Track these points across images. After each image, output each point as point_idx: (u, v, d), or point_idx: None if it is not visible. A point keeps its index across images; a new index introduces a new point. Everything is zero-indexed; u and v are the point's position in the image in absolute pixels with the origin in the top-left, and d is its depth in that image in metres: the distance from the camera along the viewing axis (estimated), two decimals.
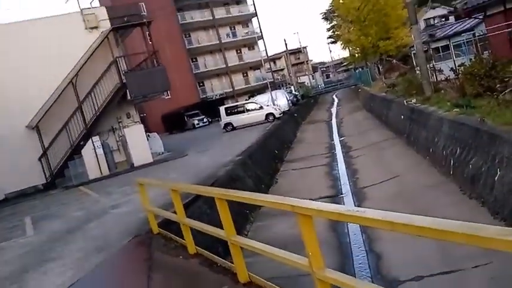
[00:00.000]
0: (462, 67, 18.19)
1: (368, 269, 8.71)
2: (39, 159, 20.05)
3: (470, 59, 19.09)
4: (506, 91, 12.08)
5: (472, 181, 10.64)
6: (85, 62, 19.91)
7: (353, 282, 3.25)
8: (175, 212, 6.69)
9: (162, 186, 7.80)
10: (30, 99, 19.38)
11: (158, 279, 5.81)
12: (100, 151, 20.09)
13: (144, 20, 22.27)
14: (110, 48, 20.94)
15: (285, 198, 3.68)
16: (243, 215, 11.69)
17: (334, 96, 67.94)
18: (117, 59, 21.08)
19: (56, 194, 18.07)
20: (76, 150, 19.91)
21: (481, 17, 20.76)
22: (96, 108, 20.39)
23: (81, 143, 19.96)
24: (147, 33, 22.14)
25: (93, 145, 19.90)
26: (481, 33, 22.24)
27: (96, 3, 28.90)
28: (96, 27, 21.36)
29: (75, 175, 19.60)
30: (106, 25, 21.31)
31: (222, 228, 5.10)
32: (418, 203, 11.28)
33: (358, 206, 12.56)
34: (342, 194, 14.53)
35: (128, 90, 20.80)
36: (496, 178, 9.24)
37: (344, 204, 13.05)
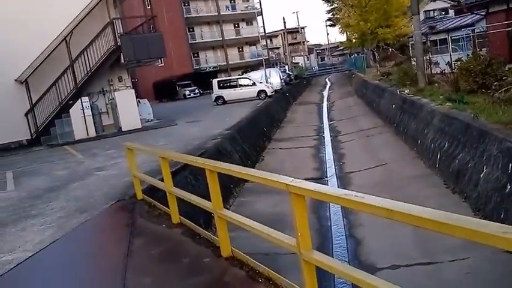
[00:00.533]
0: (459, 62, 18.17)
1: (346, 254, 8.80)
2: (26, 115, 19.80)
3: (468, 55, 19.08)
4: (502, 90, 12.10)
5: (457, 176, 10.72)
6: (81, 21, 19.49)
7: (339, 266, 3.24)
8: (162, 180, 6.64)
9: (151, 153, 7.72)
10: (22, 53, 18.92)
11: (139, 245, 5.77)
12: (88, 112, 19.89)
13: None
14: (107, 8, 20.48)
15: (280, 176, 3.64)
16: (228, 189, 11.68)
17: (327, 80, 67.75)
18: (114, 21, 20.64)
19: (40, 151, 17.87)
20: (64, 109, 19.68)
21: (482, 13, 20.69)
22: (88, 69, 20.06)
23: (70, 102, 19.70)
24: None
25: (82, 105, 19.69)
26: (481, 30, 22.20)
27: None
28: None
29: (61, 134, 19.41)
30: None
31: (208, 199, 5.06)
32: (401, 193, 11.35)
33: None
34: (327, 177, 14.60)
35: (122, 54, 20.47)
36: (482, 175, 9.31)
37: None
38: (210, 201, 4.91)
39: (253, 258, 4.68)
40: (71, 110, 19.60)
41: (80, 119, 19.66)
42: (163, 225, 6.31)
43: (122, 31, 21.61)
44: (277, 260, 7.50)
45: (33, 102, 19.71)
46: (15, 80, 19.68)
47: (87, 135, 19.73)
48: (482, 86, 14.52)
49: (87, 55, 19.98)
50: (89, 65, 20.06)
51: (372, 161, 15.06)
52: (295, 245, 3.42)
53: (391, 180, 12.75)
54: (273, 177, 3.72)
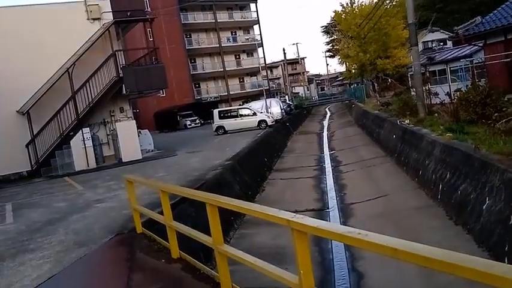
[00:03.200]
0: (458, 92, 18.29)
1: None
2: (27, 146, 19.81)
3: (467, 85, 19.22)
4: (503, 120, 12.12)
5: (460, 207, 10.62)
6: (83, 53, 19.74)
7: None
8: (161, 213, 6.58)
9: (151, 186, 7.67)
10: (23, 85, 19.19)
11: (138, 281, 5.67)
12: (89, 143, 19.92)
13: (147, 16, 22.19)
14: (110, 41, 20.81)
15: (281, 212, 3.58)
16: (228, 221, 11.57)
17: (327, 109, 68.11)
18: (116, 53, 20.92)
19: (40, 183, 17.81)
20: (65, 140, 19.72)
21: (480, 44, 20.95)
22: (90, 100, 20.21)
23: (71, 133, 19.75)
24: (149, 29, 22.01)
25: (83, 136, 19.73)
26: (479, 61, 22.43)
27: None
28: (98, 19, 21.24)
29: (61, 165, 19.39)
30: (108, 17, 21.14)
31: (208, 233, 4.99)
32: (404, 225, 11.27)
33: (344, 223, 12.52)
34: (328, 208, 14.47)
35: (124, 85, 20.64)
36: (484, 207, 9.22)
37: (330, 219, 13.00)
38: (210, 235, 4.84)
39: None
40: (71, 141, 19.64)
41: (81, 150, 19.68)
42: (163, 260, 6.21)
43: (124, 62, 21.87)
44: None
45: (34, 133, 19.76)
46: (17, 111, 19.79)
47: (88, 166, 19.70)
48: (482, 116, 14.55)
49: (89, 86, 20.17)
50: (91, 96, 20.22)
51: (374, 191, 14.96)
52: (297, 283, 3.35)
53: (393, 211, 12.64)
54: (274, 213, 3.67)
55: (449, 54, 28.09)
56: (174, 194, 7.70)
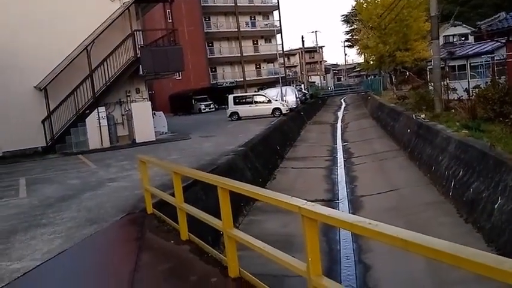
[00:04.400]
0: (477, 89, 18.04)
1: (355, 280, 8.66)
2: (43, 122, 20.03)
3: (486, 82, 18.95)
4: None
5: (471, 205, 10.55)
6: (102, 31, 19.80)
7: None
8: (172, 195, 6.63)
9: (164, 167, 7.71)
10: (42, 61, 19.34)
11: (146, 260, 5.74)
12: (104, 122, 20.08)
13: None
14: (129, 20, 20.83)
15: (292, 198, 3.59)
16: (238, 207, 11.63)
17: (342, 100, 67.71)
18: (135, 32, 20.94)
19: (54, 159, 18.04)
20: (80, 118, 19.89)
21: (503, 41, 20.54)
22: (107, 79, 20.31)
23: (87, 111, 19.92)
24: (168, 10, 21.95)
25: (98, 115, 19.89)
26: (501, 58, 22.05)
27: None
28: None
29: (76, 143, 19.60)
30: None
31: (217, 216, 5.03)
32: (413, 220, 11.23)
33: (353, 214, 12.51)
34: (338, 199, 14.47)
35: (141, 65, 20.70)
36: (496, 206, 9.15)
37: (339, 210, 13.00)
38: (220, 219, 4.87)
39: (261, 279, 4.62)
40: (87, 120, 19.81)
41: (96, 129, 19.85)
42: (172, 241, 6.28)
43: (142, 43, 21.90)
44: (285, 282, 7.42)
45: (51, 109, 19.95)
46: (35, 87, 19.97)
47: (102, 145, 19.89)
48: (500, 114, 14.36)
49: (107, 65, 20.26)
50: (108, 75, 20.33)
51: (385, 185, 14.91)
52: (305, 270, 3.36)
53: (404, 206, 12.59)
54: (286, 199, 3.67)
55: (470, 49, 27.65)
56: (185, 177, 7.76)
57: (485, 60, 23.88)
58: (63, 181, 12.50)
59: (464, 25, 42.88)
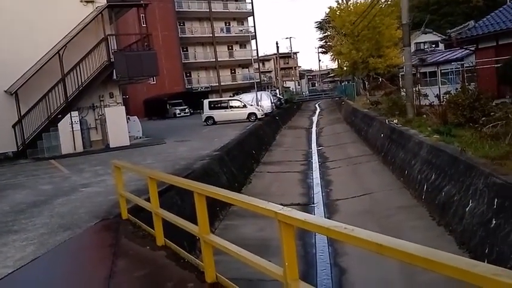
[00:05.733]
0: (447, 95, 18.44)
1: (330, 283, 8.74)
2: (13, 126, 19.61)
3: (456, 88, 19.39)
4: (490, 125, 12.27)
5: (443, 208, 10.76)
6: (75, 35, 19.53)
7: None
8: (147, 200, 6.58)
9: (139, 172, 7.65)
10: (12, 65, 18.90)
11: (122, 267, 5.67)
12: (77, 127, 19.81)
13: (142, 2, 21.98)
14: (102, 24, 20.59)
15: (268, 204, 3.61)
16: (214, 211, 11.60)
17: (317, 105, 68.26)
18: (109, 37, 20.73)
19: (26, 164, 17.67)
20: (53, 123, 19.56)
21: (472, 48, 21.13)
22: (80, 83, 20.04)
23: (59, 116, 19.61)
24: (142, 15, 21.82)
25: (71, 120, 19.62)
26: (470, 65, 22.63)
27: None
28: (92, 1, 20.98)
29: (48, 147, 19.25)
30: (102, 0, 20.93)
31: (193, 221, 5.02)
32: (387, 223, 11.40)
33: (329, 218, 12.61)
34: (313, 203, 14.57)
35: (114, 70, 20.49)
36: (467, 209, 9.36)
37: (315, 214, 13.08)
38: (196, 224, 4.86)
39: (237, 284, 4.63)
40: (59, 124, 19.50)
41: (68, 134, 19.55)
42: (148, 247, 6.22)
43: (115, 47, 21.69)
44: (262, 286, 7.43)
45: (22, 114, 19.55)
46: (5, 91, 19.56)
47: (75, 150, 19.59)
48: (470, 120, 14.71)
49: (80, 70, 20.00)
50: (81, 79, 20.06)
51: (359, 189, 15.09)
52: (281, 275, 3.39)
53: (377, 209, 12.77)
54: (262, 205, 3.69)
55: (441, 56, 28.31)
56: (161, 182, 7.71)
57: (455, 67, 24.47)
58: (34, 186, 12.25)
59: (434, 33, 43.92)
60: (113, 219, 7.82)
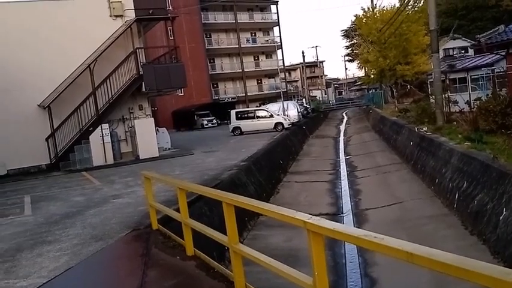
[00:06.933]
0: (478, 101, 18.09)
1: None
2: (47, 140, 20.12)
3: (487, 94, 19.00)
4: None
5: (476, 217, 10.54)
6: (105, 49, 20.00)
7: None
8: (177, 210, 6.66)
9: (169, 183, 7.76)
10: (46, 79, 19.53)
11: (153, 277, 5.75)
12: (108, 139, 20.18)
13: (169, 15, 22.38)
14: (131, 38, 21.04)
15: (297, 213, 3.62)
16: (242, 221, 11.63)
17: (344, 114, 67.81)
18: (137, 50, 21.15)
19: (58, 177, 18.09)
20: (84, 135, 19.99)
21: (503, 53, 20.67)
22: (110, 96, 20.47)
23: (90, 128, 20.03)
24: (170, 28, 22.19)
25: (102, 132, 20.00)
26: (501, 70, 22.15)
27: None
28: (121, 16, 21.47)
29: (79, 160, 19.67)
30: (131, 15, 21.39)
31: (222, 231, 5.05)
32: (418, 232, 11.21)
33: (358, 228, 12.49)
34: (342, 213, 14.45)
35: (143, 82, 20.86)
36: (501, 217, 9.14)
37: (344, 224, 12.97)
38: (225, 233, 4.90)
39: None
40: (90, 137, 19.92)
41: (99, 146, 19.94)
42: (178, 257, 6.29)
43: (144, 60, 22.09)
44: None
45: (55, 127, 20.06)
46: (38, 105, 20.12)
47: (105, 162, 19.96)
48: (502, 126, 14.41)
49: (110, 83, 20.43)
50: (111, 92, 20.48)
51: (389, 198, 14.90)
52: (311, 284, 3.39)
53: (408, 219, 12.58)
54: (290, 214, 3.70)
55: (471, 62, 27.79)
56: (190, 192, 7.80)
57: (485, 72, 23.98)
58: (67, 198, 12.54)
59: (463, 38, 43.16)
60: (144, 229, 7.94)
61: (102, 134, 20.04)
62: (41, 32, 19.98)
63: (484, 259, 8.47)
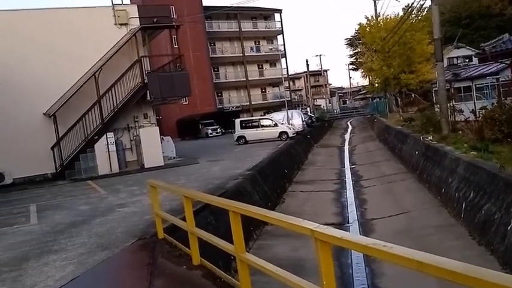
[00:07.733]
0: (483, 110, 18.03)
1: None
2: (52, 148, 20.19)
3: (492, 103, 18.94)
4: None
5: (483, 227, 10.46)
6: (110, 58, 20.10)
7: None
8: (183, 219, 6.64)
9: (175, 192, 7.75)
10: (51, 87, 19.65)
11: (159, 286, 5.72)
12: (113, 148, 20.21)
13: (173, 23, 22.49)
14: (136, 46, 21.15)
15: (304, 222, 3.60)
16: (248, 231, 11.59)
17: (348, 123, 67.74)
18: (142, 58, 21.24)
19: (64, 185, 18.12)
20: (89, 144, 20.03)
21: (507, 62, 20.65)
22: (115, 105, 20.53)
23: (96, 137, 20.08)
24: (174, 36, 22.28)
25: (107, 141, 20.04)
26: (506, 79, 22.11)
27: (127, 1, 29.21)
28: (125, 24, 21.62)
29: (85, 168, 19.70)
30: (135, 23, 21.56)
31: (227, 240, 5.03)
32: (425, 242, 11.12)
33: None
34: (348, 223, 14.38)
35: (148, 91, 20.92)
36: (509, 227, 9.07)
37: None
38: (231, 243, 4.87)
39: None
40: (95, 145, 19.96)
41: (104, 155, 19.98)
42: (184, 266, 6.27)
43: (149, 69, 22.18)
44: None
45: (60, 136, 20.12)
46: (44, 114, 20.20)
47: (111, 170, 19.98)
48: (508, 135, 14.34)
49: (115, 91, 20.50)
50: (116, 101, 20.55)
51: (395, 208, 14.83)
52: None
53: (415, 228, 12.50)
54: (298, 222, 3.68)
55: (475, 71, 27.75)
56: (196, 201, 7.78)
57: (490, 81, 23.95)
58: (73, 207, 12.55)
59: (468, 47, 43.19)
60: (150, 238, 7.92)
61: (107, 143, 20.07)
62: (46, 40, 20.10)
63: (493, 269, 8.41)
